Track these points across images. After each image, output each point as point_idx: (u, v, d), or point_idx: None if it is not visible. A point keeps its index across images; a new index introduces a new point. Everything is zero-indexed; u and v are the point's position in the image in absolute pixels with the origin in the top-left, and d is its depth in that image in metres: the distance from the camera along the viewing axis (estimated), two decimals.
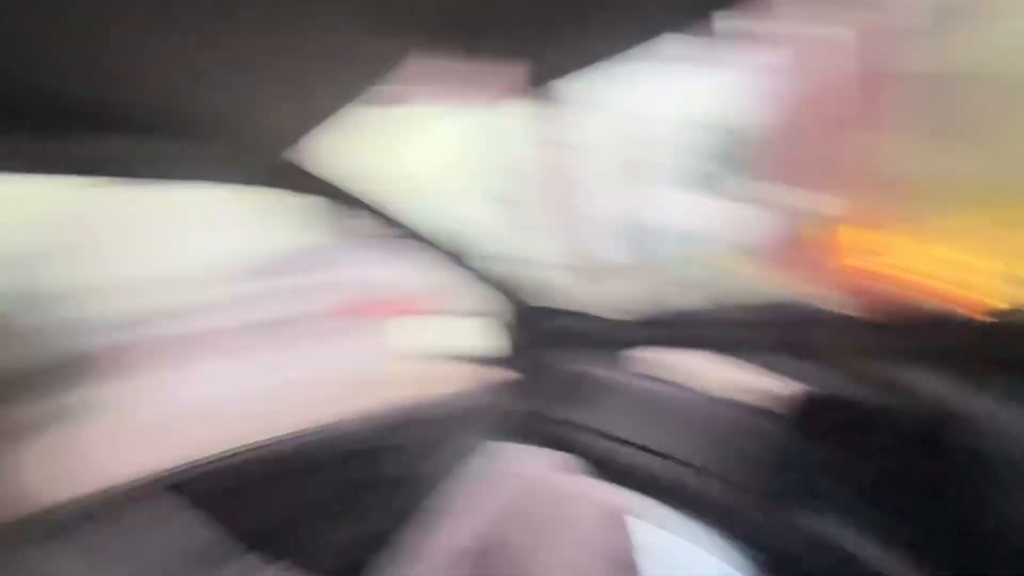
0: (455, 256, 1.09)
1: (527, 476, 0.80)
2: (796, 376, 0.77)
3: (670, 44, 0.64)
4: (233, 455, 0.96)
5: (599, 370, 1.11)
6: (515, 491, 0.77)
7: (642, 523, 0.75)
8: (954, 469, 0.57)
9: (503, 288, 1.18)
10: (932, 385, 0.64)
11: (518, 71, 0.73)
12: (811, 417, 0.71)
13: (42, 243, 3.81)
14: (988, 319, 0.66)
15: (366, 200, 1.00)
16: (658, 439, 0.89)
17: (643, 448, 0.90)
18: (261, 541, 0.68)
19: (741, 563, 0.70)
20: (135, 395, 3.06)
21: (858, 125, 2.79)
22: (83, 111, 0.66)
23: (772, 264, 3.26)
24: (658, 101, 5.01)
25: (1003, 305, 0.64)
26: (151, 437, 2.31)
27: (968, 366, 0.64)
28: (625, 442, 0.94)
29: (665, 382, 0.97)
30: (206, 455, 0.94)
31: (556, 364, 1.19)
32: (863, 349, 0.75)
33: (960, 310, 0.74)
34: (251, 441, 0.99)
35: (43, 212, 3.79)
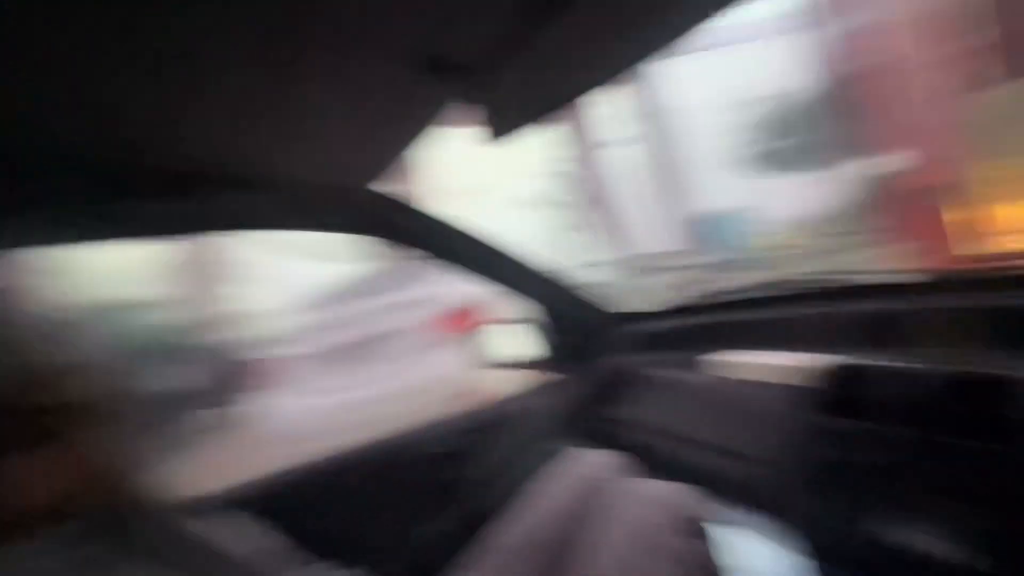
0: (512, 265, 1.14)
1: (591, 477, 0.82)
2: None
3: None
4: (310, 465, 1.00)
5: (658, 369, 1.11)
6: (579, 492, 0.79)
7: (706, 520, 0.74)
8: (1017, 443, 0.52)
9: (560, 293, 1.21)
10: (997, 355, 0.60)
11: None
12: (863, 393, 0.67)
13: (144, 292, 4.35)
14: None
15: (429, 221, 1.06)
16: (718, 435, 0.88)
17: (704, 445, 0.90)
18: (336, 547, 0.71)
19: (801, 558, 0.69)
20: (252, 412, 3.43)
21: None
22: (174, 175, 0.75)
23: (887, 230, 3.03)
24: (705, 86, 4.80)
25: None
26: (260, 450, 2.56)
27: None
28: (685, 439, 0.94)
29: (725, 378, 0.95)
30: (290, 465, 0.98)
31: (614, 365, 1.20)
32: (935, 326, 0.71)
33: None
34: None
35: (141, 263, 4.34)
